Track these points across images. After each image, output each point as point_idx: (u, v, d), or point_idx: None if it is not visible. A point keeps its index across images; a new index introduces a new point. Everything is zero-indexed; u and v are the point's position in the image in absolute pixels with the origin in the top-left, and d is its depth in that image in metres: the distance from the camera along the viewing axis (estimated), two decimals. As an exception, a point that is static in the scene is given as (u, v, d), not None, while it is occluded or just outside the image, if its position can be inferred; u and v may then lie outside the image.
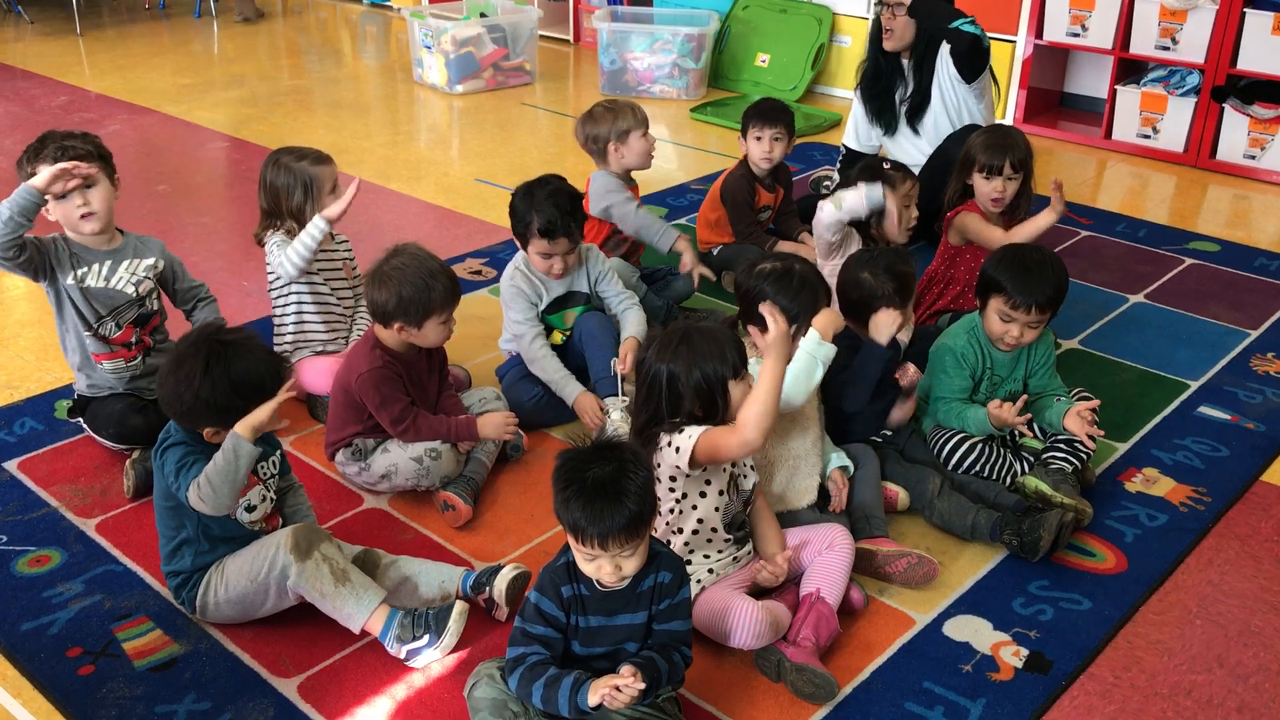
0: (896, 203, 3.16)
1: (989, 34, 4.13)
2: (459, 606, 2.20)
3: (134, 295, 2.82)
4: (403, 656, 2.18)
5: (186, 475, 2.14)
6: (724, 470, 2.22)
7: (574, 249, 2.98)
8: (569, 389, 2.95)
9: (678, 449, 2.14)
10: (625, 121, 3.44)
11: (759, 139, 3.73)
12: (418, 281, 2.58)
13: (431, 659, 2.18)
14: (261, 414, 2.12)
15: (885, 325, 2.60)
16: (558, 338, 3.09)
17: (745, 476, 2.28)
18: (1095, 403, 2.68)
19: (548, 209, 2.87)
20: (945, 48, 3.96)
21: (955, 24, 3.84)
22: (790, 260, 2.58)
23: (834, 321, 2.48)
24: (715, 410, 2.15)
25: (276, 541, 2.19)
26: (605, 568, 1.86)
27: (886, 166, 3.18)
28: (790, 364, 2.39)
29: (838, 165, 4.54)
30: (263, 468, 2.28)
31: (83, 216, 2.71)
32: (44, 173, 2.60)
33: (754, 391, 2.13)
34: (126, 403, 2.81)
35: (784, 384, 2.34)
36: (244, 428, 2.11)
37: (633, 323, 3.08)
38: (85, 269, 2.77)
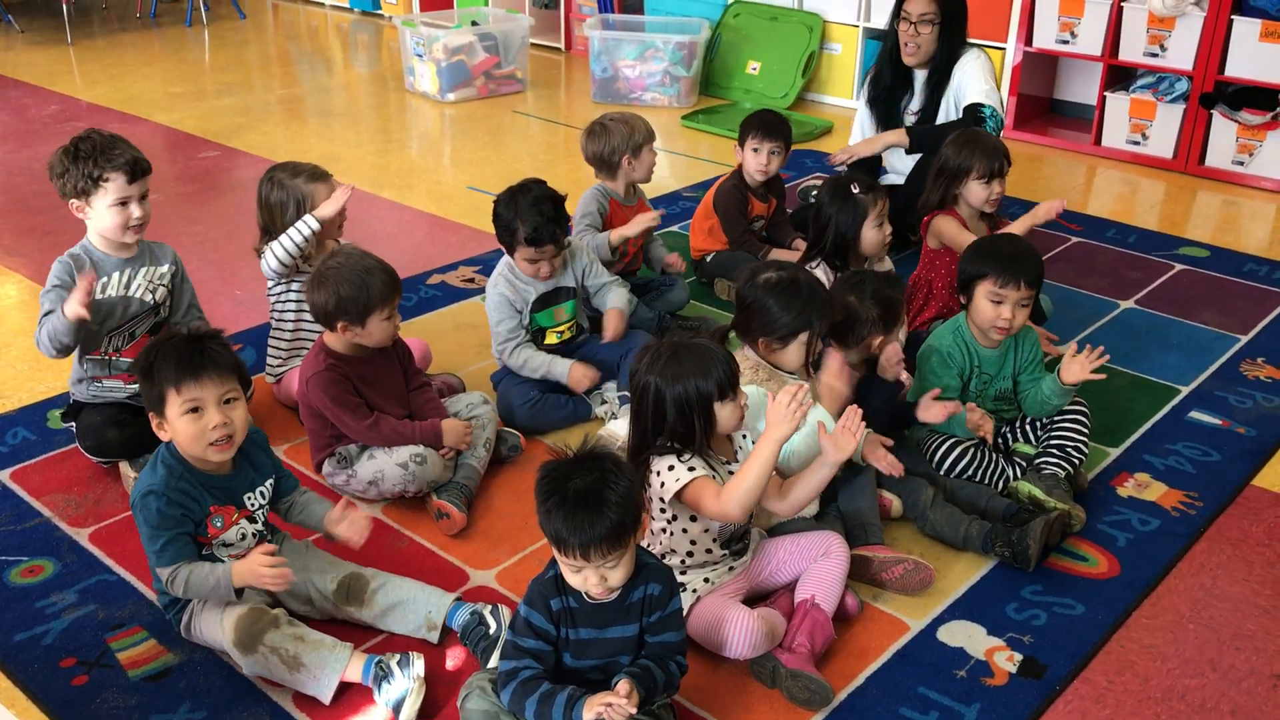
0: (872, 222, 3.15)
1: (977, 42, 4.15)
2: (414, 692, 2.09)
3: (152, 303, 2.82)
4: None
5: (162, 554, 2.12)
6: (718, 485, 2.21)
7: (560, 253, 3.01)
8: (558, 368, 3.00)
9: (663, 483, 2.15)
10: (639, 135, 3.46)
11: (756, 151, 3.73)
12: (354, 279, 2.59)
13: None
14: (250, 577, 2.12)
15: (891, 362, 2.67)
16: (552, 338, 3.09)
17: None
18: (1098, 351, 2.67)
19: (532, 216, 2.90)
20: (961, 68, 3.97)
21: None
22: (794, 270, 2.55)
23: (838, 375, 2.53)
24: (694, 432, 2.13)
25: (223, 626, 2.15)
26: (591, 579, 1.85)
27: (855, 190, 3.15)
28: (797, 441, 2.39)
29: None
30: (249, 498, 2.25)
31: (132, 228, 2.74)
32: (75, 303, 2.58)
33: (744, 471, 2.10)
34: (106, 415, 2.79)
35: (788, 457, 2.39)
36: (238, 576, 2.12)
37: (613, 296, 3.15)
38: (105, 279, 2.76)
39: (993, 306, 2.70)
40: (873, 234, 3.13)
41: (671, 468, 2.14)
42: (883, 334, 2.66)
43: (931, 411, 2.65)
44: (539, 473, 1.87)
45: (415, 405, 2.78)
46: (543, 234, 2.91)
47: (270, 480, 2.30)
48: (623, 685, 1.85)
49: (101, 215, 2.71)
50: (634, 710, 1.84)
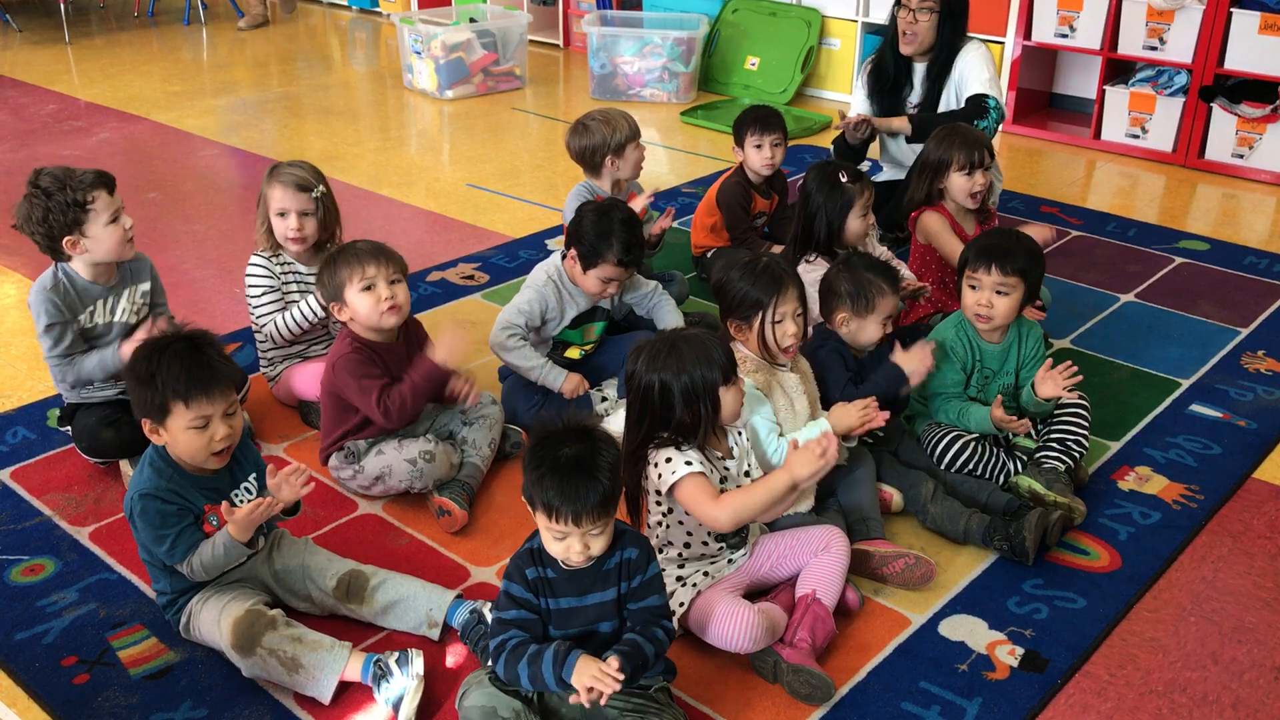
0: (857, 212, 3.13)
1: (976, 35, 4.14)
2: (412, 690, 2.08)
3: (135, 323, 2.83)
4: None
5: (174, 551, 2.13)
6: (714, 486, 2.22)
7: (632, 275, 3.03)
8: (552, 376, 2.95)
9: (660, 475, 2.16)
10: (620, 134, 3.44)
11: (759, 146, 3.72)
12: (332, 260, 2.64)
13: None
14: (247, 522, 2.11)
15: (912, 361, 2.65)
16: (575, 353, 3.08)
17: (739, 487, 2.28)
18: (1066, 364, 2.68)
19: (626, 235, 2.87)
20: (963, 59, 3.97)
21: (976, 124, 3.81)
22: (760, 254, 2.61)
23: (845, 422, 2.50)
24: (701, 421, 2.15)
25: (221, 628, 2.15)
26: (574, 546, 1.86)
27: (843, 178, 3.14)
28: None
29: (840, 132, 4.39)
30: (237, 495, 2.24)
31: (130, 240, 2.73)
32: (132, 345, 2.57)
33: (753, 490, 2.16)
34: (100, 415, 2.78)
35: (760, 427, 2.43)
36: (236, 529, 2.12)
37: (668, 314, 3.14)
38: (91, 307, 2.75)
39: (971, 292, 2.72)
40: (856, 223, 3.13)
41: (669, 460, 2.15)
42: (848, 312, 2.66)
43: (908, 359, 2.64)
44: (528, 444, 1.89)
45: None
46: (635, 255, 2.91)
47: (254, 474, 2.30)
48: (613, 661, 1.84)
49: (100, 239, 2.67)
50: (620, 680, 1.82)
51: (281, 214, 2.97)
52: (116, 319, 2.79)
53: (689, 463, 2.14)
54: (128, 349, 2.63)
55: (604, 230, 2.88)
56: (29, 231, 2.67)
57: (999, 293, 2.69)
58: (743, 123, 3.77)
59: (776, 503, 2.18)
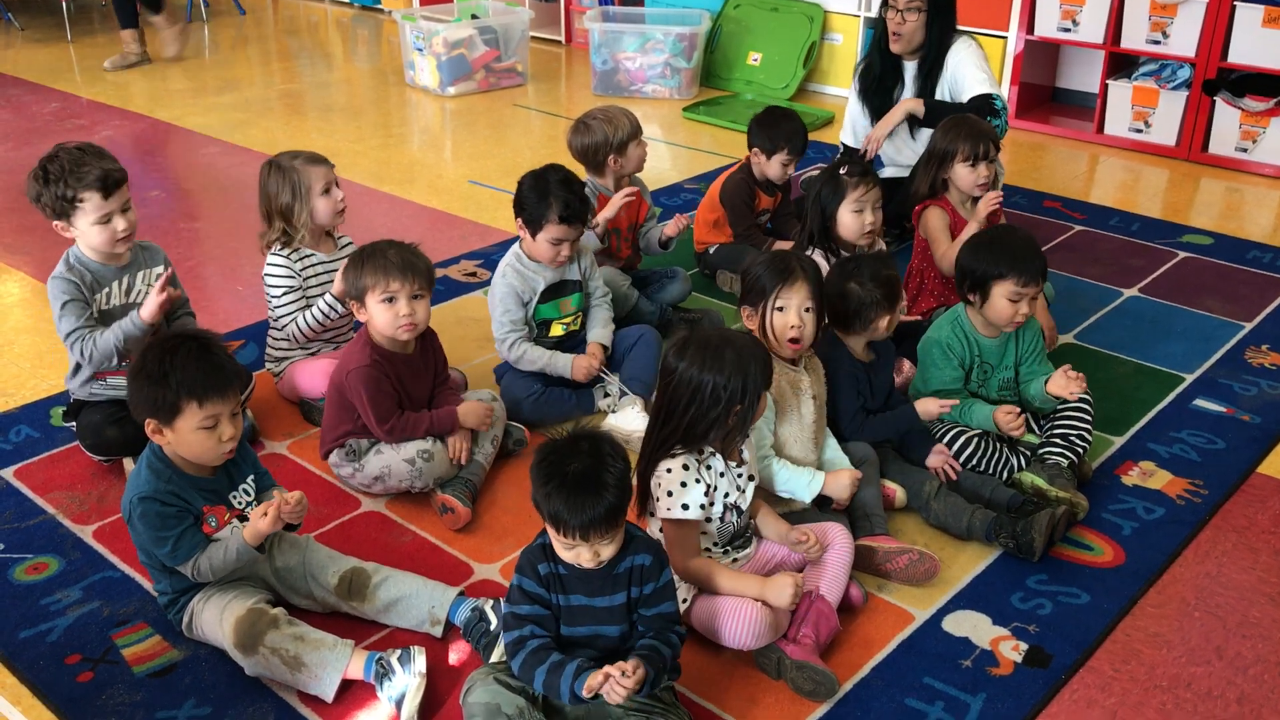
0: (850, 205, 3.12)
1: (978, 30, 4.13)
2: (414, 688, 2.08)
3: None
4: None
5: (176, 552, 2.13)
6: (720, 500, 2.22)
7: (580, 235, 3.03)
8: (559, 363, 3.00)
9: (658, 499, 2.18)
10: (623, 132, 3.43)
11: (785, 165, 3.72)
12: (359, 260, 2.62)
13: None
14: (263, 524, 2.12)
15: (934, 410, 2.68)
16: (558, 329, 3.09)
17: (744, 493, 2.27)
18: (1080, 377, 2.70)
19: (564, 194, 2.91)
20: (954, 56, 3.94)
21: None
22: (789, 255, 2.61)
23: (847, 489, 2.50)
24: (744, 420, 2.16)
25: (223, 627, 2.15)
26: (584, 554, 1.88)
27: (843, 172, 3.13)
28: (784, 470, 2.46)
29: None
30: (235, 497, 2.24)
31: (120, 240, 2.72)
32: (151, 305, 2.65)
33: (724, 577, 2.18)
34: (105, 413, 2.78)
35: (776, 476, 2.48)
36: (254, 537, 2.13)
37: (598, 325, 3.13)
38: (106, 289, 2.76)
39: (1011, 305, 2.68)
40: (849, 218, 3.10)
41: (671, 494, 2.16)
42: (888, 313, 2.65)
43: (928, 406, 2.68)
44: (536, 454, 1.90)
45: (436, 402, 2.78)
46: (575, 210, 2.92)
47: (251, 476, 2.30)
48: (630, 662, 1.86)
49: (87, 234, 2.69)
50: (634, 688, 1.84)
51: (327, 190, 3.00)
52: (133, 299, 2.79)
53: (685, 506, 2.16)
54: (147, 312, 2.65)
55: (542, 191, 2.92)
56: (32, 202, 2.72)
57: (1032, 299, 2.69)
58: (777, 134, 3.68)
59: (734, 592, 2.18)
